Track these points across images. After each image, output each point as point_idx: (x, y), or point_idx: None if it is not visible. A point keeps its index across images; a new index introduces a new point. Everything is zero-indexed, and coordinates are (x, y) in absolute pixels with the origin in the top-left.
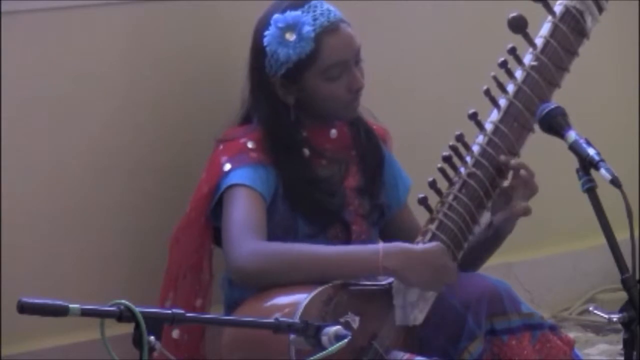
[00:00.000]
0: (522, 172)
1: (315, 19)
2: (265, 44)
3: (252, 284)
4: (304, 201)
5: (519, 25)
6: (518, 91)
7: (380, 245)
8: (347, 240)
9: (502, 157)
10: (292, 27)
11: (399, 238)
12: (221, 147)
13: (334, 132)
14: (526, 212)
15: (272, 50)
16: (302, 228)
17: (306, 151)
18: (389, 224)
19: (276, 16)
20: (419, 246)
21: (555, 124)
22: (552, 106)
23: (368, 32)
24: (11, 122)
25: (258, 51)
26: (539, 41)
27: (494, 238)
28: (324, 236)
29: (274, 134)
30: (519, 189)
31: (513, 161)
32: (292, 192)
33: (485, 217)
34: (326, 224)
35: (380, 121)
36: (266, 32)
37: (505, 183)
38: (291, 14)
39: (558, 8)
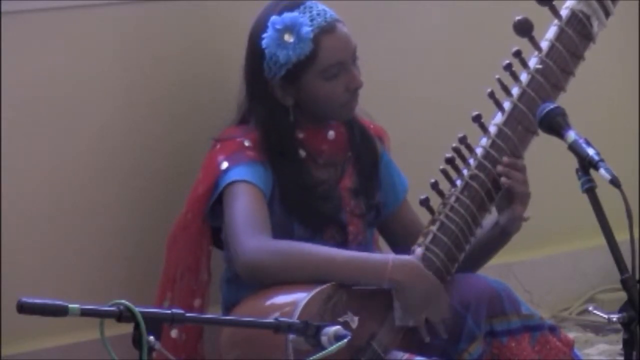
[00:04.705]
0: (503, 179)
1: (312, 20)
2: (263, 46)
3: (258, 278)
4: (299, 206)
5: (524, 29)
6: (522, 94)
7: (390, 257)
8: (344, 241)
9: (504, 158)
10: (290, 28)
11: (402, 233)
12: (218, 146)
13: (331, 134)
14: (522, 218)
15: (271, 53)
16: (298, 231)
17: (302, 152)
18: (389, 221)
19: (273, 18)
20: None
21: (554, 124)
22: (552, 106)
23: (372, 33)
24: (11, 122)
25: (256, 54)
26: (544, 44)
27: (500, 237)
28: (320, 237)
29: (271, 137)
30: (515, 189)
31: (506, 159)
32: (287, 197)
33: (490, 217)
34: (322, 227)
35: (383, 122)
36: (264, 35)
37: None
38: (288, 15)
39: (564, 12)
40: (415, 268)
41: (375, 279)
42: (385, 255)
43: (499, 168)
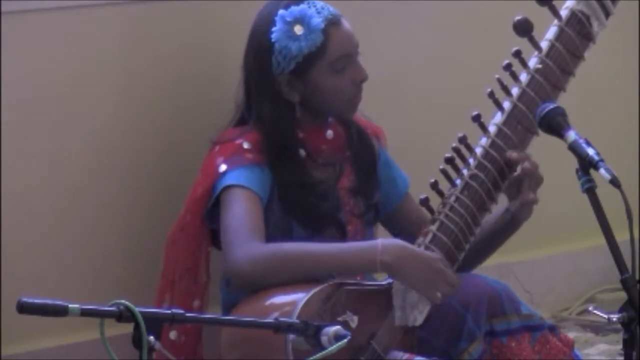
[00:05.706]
0: (526, 164)
1: (319, 12)
2: (273, 40)
3: (251, 287)
4: (298, 206)
5: (524, 29)
6: (522, 94)
7: (379, 240)
8: (343, 241)
9: (508, 153)
10: (300, 20)
11: (407, 226)
12: (217, 148)
13: (330, 133)
14: (533, 202)
15: (282, 46)
16: (297, 231)
17: (302, 152)
18: (394, 216)
19: (281, 12)
20: (420, 249)
21: (554, 124)
22: (552, 106)
23: (372, 33)
24: (11, 122)
25: (262, 50)
26: (544, 44)
27: (511, 223)
28: (319, 237)
29: (273, 135)
30: (525, 180)
31: (515, 154)
32: (286, 196)
33: (499, 206)
34: (320, 227)
35: (383, 122)
36: (273, 29)
37: (515, 173)
38: (296, 8)
39: (564, 12)
40: (404, 249)
41: (367, 263)
42: (373, 240)
43: (515, 155)
